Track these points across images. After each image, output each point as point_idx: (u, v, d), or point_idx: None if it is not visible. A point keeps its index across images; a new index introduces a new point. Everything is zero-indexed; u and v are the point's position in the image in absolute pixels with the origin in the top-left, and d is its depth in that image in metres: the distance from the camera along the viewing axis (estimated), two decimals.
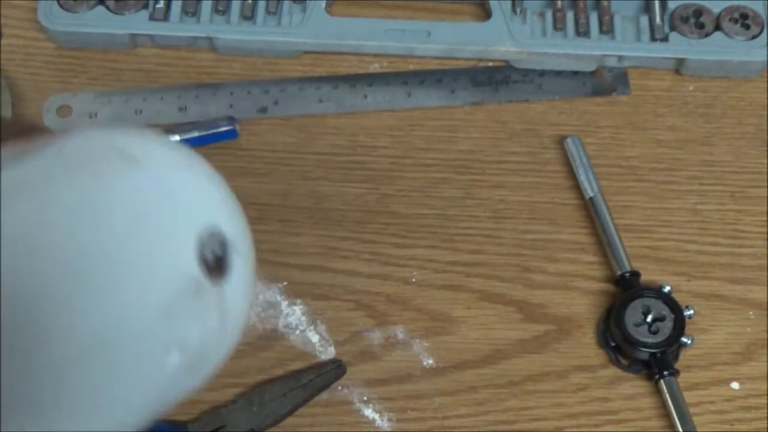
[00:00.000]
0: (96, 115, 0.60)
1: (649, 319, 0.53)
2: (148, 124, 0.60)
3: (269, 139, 0.60)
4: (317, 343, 0.54)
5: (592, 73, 0.61)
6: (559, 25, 0.61)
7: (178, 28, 0.61)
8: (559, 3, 0.61)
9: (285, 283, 0.56)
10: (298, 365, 0.54)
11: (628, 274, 0.55)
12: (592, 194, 0.57)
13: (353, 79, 0.61)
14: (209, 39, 0.61)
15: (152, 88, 0.61)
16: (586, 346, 0.54)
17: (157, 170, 0.38)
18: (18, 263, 0.34)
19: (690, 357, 0.54)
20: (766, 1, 0.61)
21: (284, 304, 0.55)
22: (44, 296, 0.35)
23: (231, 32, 0.61)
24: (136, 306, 0.36)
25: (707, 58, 0.60)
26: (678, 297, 0.54)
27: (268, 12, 0.62)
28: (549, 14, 0.61)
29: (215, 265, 0.37)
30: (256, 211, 0.58)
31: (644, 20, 0.61)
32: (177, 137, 0.58)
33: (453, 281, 0.56)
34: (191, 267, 0.36)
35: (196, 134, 0.59)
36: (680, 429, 0.51)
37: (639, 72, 0.61)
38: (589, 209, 0.57)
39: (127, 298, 0.36)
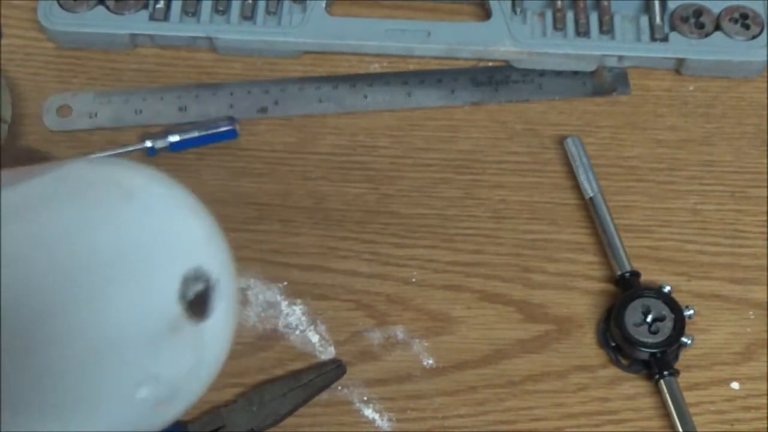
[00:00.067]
0: (96, 115, 0.60)
1: (649, 319, 0.53)
2: (148, 124, 0.60)
3: (269, 139, 0.60)
4: (317, 343, 0.54)
5: (592, 73, 0.61)
6: (559, 25, 0.61)
7: (178, 28, 0.61)
8: (559, 3, 0.61)
9: (285, 283, 0.56)
10: (298, 365, 0.54)
11: (628, 274, 0.55)
12: (592, 194, 0.57)
13: (353, 79, 0.61)
14: (209, 39, 0.61)
15: (152, 88, 0.61)
16: (586, 346, 0.54)
17: (151, 207, 0.38)
18: (8, 279, 0.35)
19: (690, 357, 0.54)
20: (766, 1, 0.61)
21: (284, 304, 0.55)
22: (32, 311, 0.35)
23: (231, 32, 0.61)
24: (113, 335, 0.36)
25: (707, 58, 0.60)
26: (678, 297, 0.54)
27: (268, 12, 0.62)
28: (549, 14, 0.61)
29: (196, 304, 0.38)
30: (256, 211, 0.58)
31: (644, 20, 0.61)
32: (177, 137, 0.58)
33: (453, 281, 0.56)
34: (172, 305, 0.37)
35: (196, 134, 0.59)
36: (680, 429, 0.51)
37: (639, 72, 0.61)
38: (589, 209, 0.57)
39: (105, 327, 0.36)
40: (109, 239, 0.36)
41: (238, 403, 0.52)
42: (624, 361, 0.54)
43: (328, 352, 0.54)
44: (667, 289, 0.54)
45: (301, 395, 0.53)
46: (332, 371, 0.53)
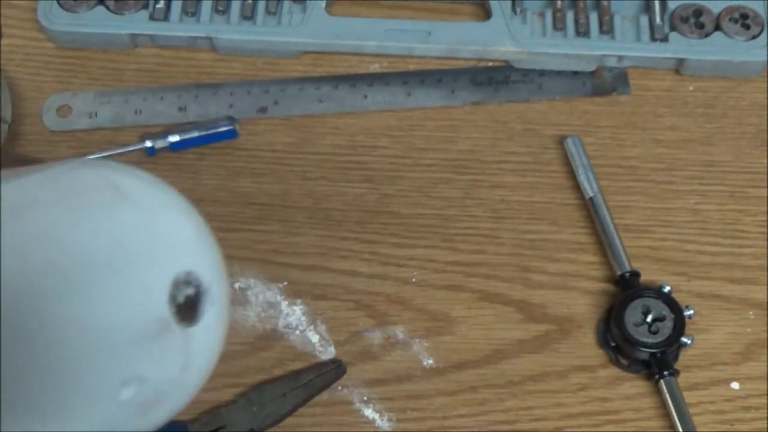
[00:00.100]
0: (96, 115, 0.60)
1: (649, 319, 0.53)
2: (148, 124, 0.60)
3: (269, 139, 0.60)
4: (317, 343, 0.54)
5: (592, 73, 0.61)
6: (559, 25, 0.61)
7: (178, 28, 0.61)
8: (559, 3, 0.61)
9: (285, 283, 0.56)
10: (298, 365, 0.54)
11: (628, 274, 0.55)
12: (592, 194, 0.57)
13: (353, 79, 0.61)
14: (209, 39, 0.61)
15: (152, 88, 0.61)
16: (586, 346, 0.54)
17: (144, 209, 0.38)
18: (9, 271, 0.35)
19: (690, 357, 0.54)
20: (766, 1, 0.61)
21: (284, 304, 0.55)
22: (16, 306, 0.35)
23: (231, 32, 0.61)
24: (99, 333, 0.36)
25: (707, 58, 0.60)
26: (678, 297, 0.54)
27: (268, 12, 0.62)
28: (549, 14, 0.61)
29: (186, 309, 0.38)
30: (256, 211, 0.58)
31: (644, 20, 0.61)
32: (177, 137, 0.58)
33: (453, 281, 0.56)
34: (161, 307, 0.37)
35: (196, 134, 0.59)
36: (680, 429, 0.51)
37: (639, 72, 0.61)
38: (589, 209, 0.57)
39: (91, 325, 0.36)
40: (99, 238, 0.36)
41: (238, 403, 0.52)
42: (624, 361, 0.54)
43: (328, 352, 0.54)
44: (667, 289, 0.54)
45: (301, 395, 0.53)
46: (332, 371, 0.53)
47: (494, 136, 0.60)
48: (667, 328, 0.53)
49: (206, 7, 0.62)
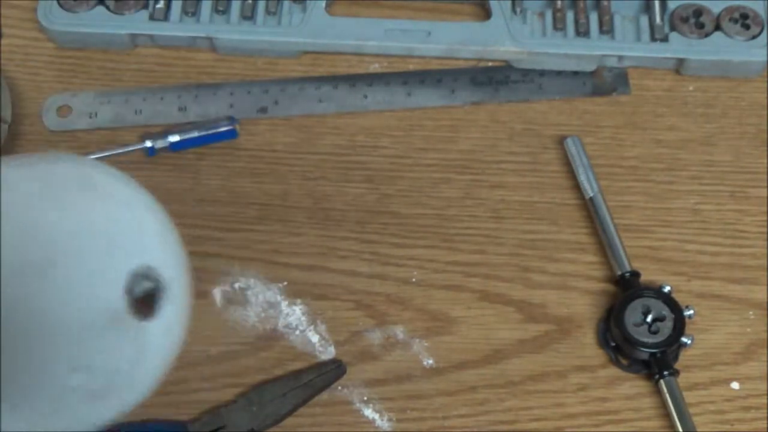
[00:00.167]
0: (96, 115, 0.60)
1: (649, 319, 0.53)
2: (148, 124, 0.60)
3: (269, 139, 0.60)
4: (317, 343, 0.54)
5: (592, 73, 0.61)
6: (559, 25, 0.61)
7: (178, 28, 0.61)
8: (559, 3, 0.61)
9: (285, 283, 0.56)
10: (298, 365, 0.54)
11: (628, 274, 0.55)
12: (592, 194, 0.57)
13: (353, 79, 0.61)
14: (209, 39, 0.61)
15: (152, 88, 0.61)
16: (586, 346, 0.54)
17: (111, 203, 0.39)
18: None
19: (690, 357, 0.54)
20: (766, 1, 0.61)
21: (284, 304, 0.55)
22: None
23: (231, 32, 0.61)
24: (51, 316, 0.36)
25: (707, 58, 0.60)
26: (678, 297, 0.54)
27: (268, 12, 0.62)
28: (549, 14, 0.61)
29: (143, 303, 0.38)
30: (256, 211, 0.58)
31: (644, 20, 0.61)
32: (177, 137, 0.58)
33: (453, 281, 0.56)
34: (117, 297, 0.37)
35: (196, 134, 0.59)
36: (680, 429, 0.51)
37: (639, 72, 0.61)
38: (589, 209, 0.57)
39: (44, 307, 0.36)
40: (63, 222, 0.37)
41: (238, 403, 0.52)
42: (624, 361, 0.54)
43: (328, 352, 0.54)
44: (667, 289, 0.54)
45: (301, 395, 0.53)
46: (332, 371, 0.53)
47: (494, 136, 0.60)
48: (667, 328, 0.53)
49: (206, 7, 0.62)
